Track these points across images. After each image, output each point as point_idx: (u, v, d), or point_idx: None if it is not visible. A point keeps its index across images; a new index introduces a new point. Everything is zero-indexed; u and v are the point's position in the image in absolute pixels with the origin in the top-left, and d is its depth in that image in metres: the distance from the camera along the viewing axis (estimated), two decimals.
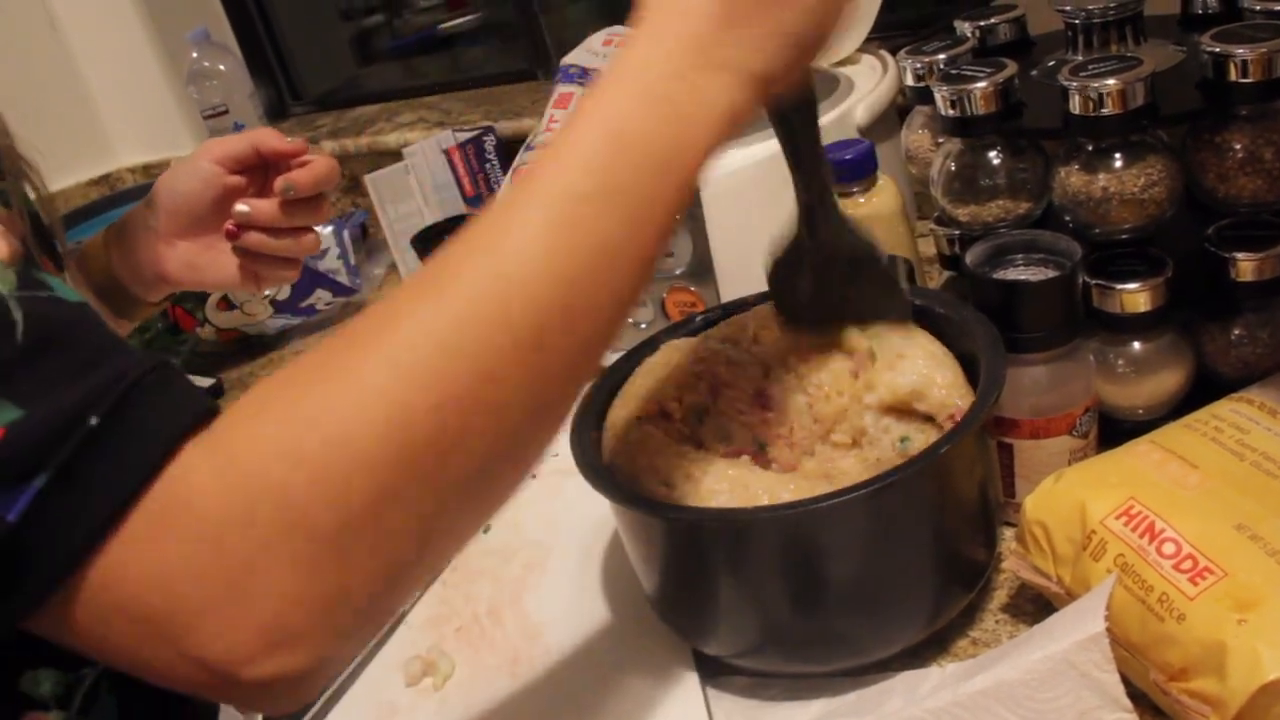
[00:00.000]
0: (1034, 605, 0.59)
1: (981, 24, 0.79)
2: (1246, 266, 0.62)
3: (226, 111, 1.51)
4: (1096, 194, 0.62)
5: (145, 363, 0.39)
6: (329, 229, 1.26)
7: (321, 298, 1.25)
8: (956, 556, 0.57)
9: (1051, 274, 0.61)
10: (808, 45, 0.49)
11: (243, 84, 1.53)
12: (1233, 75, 0.59)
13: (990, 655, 0.54)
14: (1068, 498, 0.56)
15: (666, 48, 0.45)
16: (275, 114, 1.80)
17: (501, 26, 1.78)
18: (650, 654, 0.62)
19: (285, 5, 1.81)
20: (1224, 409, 0.59)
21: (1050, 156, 0.67)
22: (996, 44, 0.79)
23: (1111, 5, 0.70)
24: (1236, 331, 0.64)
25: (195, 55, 1.50)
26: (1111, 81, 0.60)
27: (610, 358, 0.78)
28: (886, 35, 1.02)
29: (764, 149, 0.82)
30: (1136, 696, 0.50)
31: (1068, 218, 0.65)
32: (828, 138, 0.79)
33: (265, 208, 0.74)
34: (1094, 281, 0.63)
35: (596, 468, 0.57)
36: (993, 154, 0.68)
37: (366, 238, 1.41)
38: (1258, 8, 0.66)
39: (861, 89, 0.89)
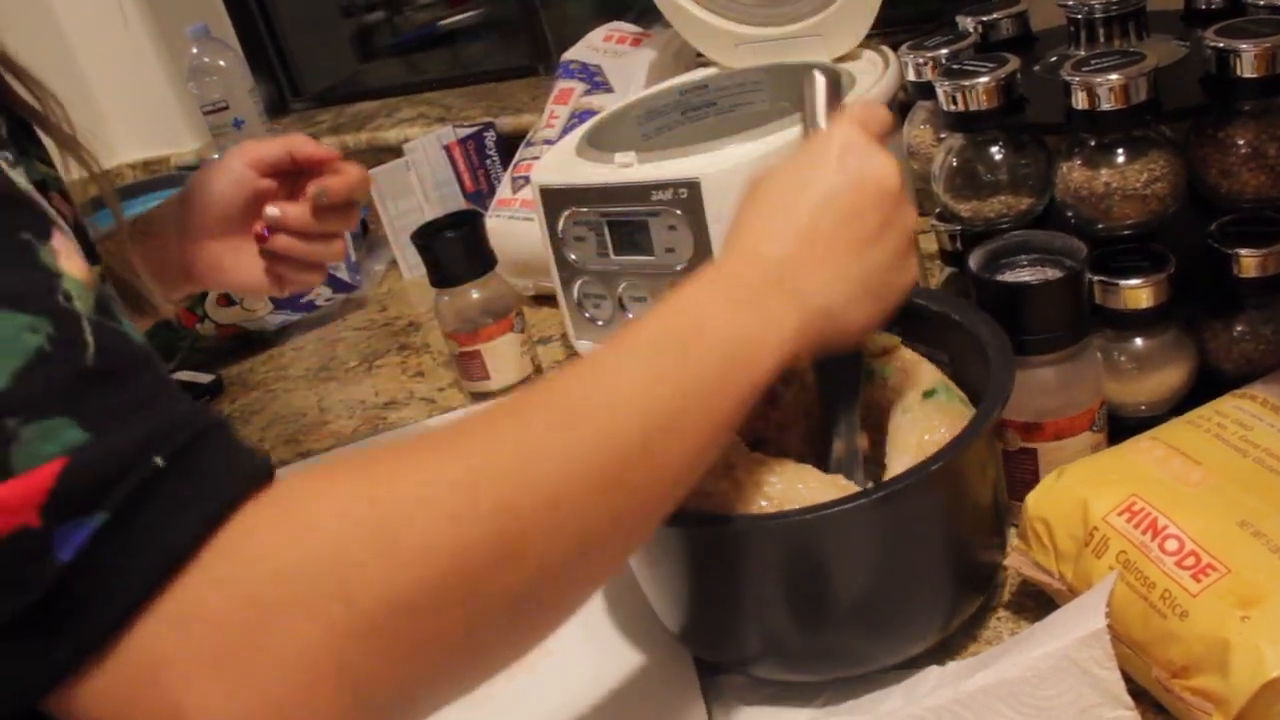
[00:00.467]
0: (1035, 602, 0.58)
1: (983, 19, 0.79)
2: (1249, 262, 0.62)
3: (227, 107, 1.50)
4: (1099, 189, 0.62)
5: (208, 415, 0.38)
6: None
7: (321, 293, 1.24)
8: (968, 561, 0.57)
9: (1056, 274, 0.61)
10: (877, 298, 0.53)
11: (243, 80, 1.53)
12: (1237, 70, 0.59)
13: (991, 653, 0.54)
14: (1070, 494, 0.56)
15: (747, 265, 0.50)
16: (275, 110, 1.80)
17: (502, 22, 1.77)
18: (650, 655, 0.61)
19: (285, 1, 1.80)
20: (1227, 405, 0.59)
21: (1052, 152, 0.67)
22: (998, 39, 0.79)
23: (1114, 0, 0.70)
24: (1239, 328, 0.64)
25: (195, 51, 1.50)
26: (1114, 76, 0.60)
27: None
28: (888, 31, 1.02)
29: (763, 145, 0.82)
30: (1139, 694, 0.49)
31: (1070, 213, 0.65)
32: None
33: (296, 212, 0.75)
34: (1097, 278, 0.63)
35: None
36: (995, 149, 0.67)
37: (367, 234, 1.41)
38: (1261, 3, 0.66)
39: (863, 84, 0.89)
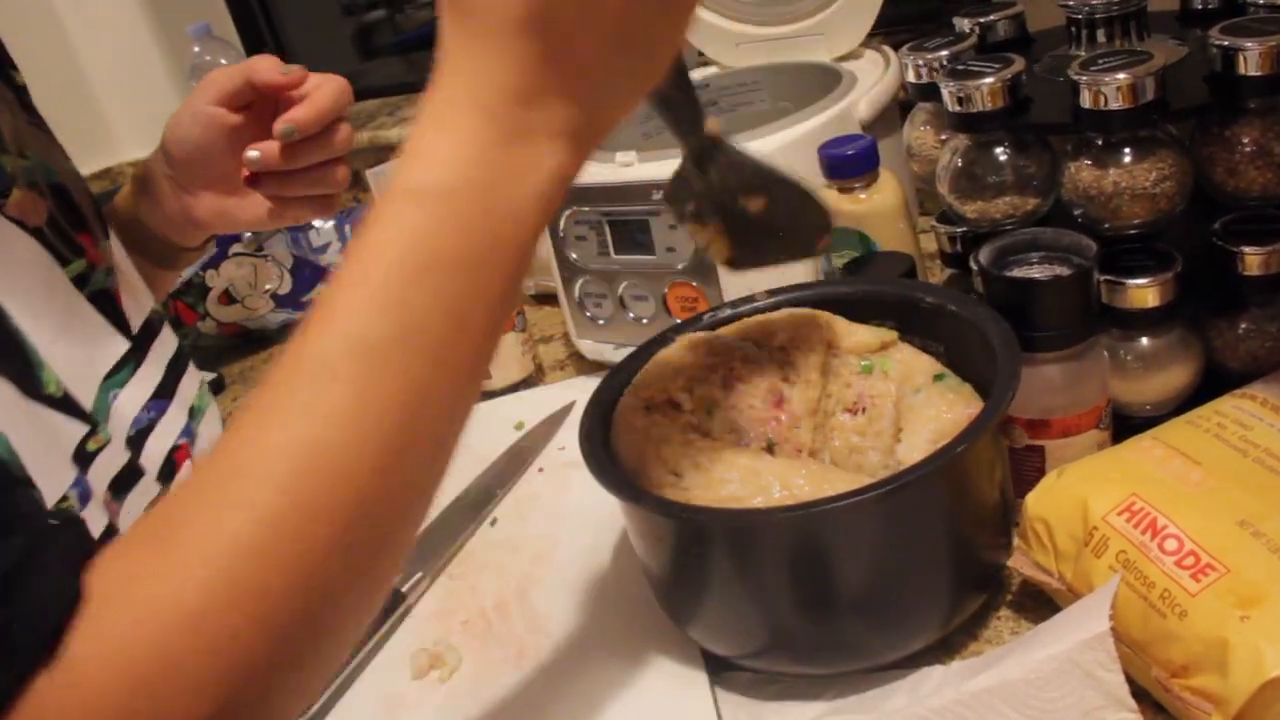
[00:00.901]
0: (1037, 602, 0.58)
1: (981, 20, 0.79)
2: (1254, 260, 0.62)
3: None
4: (1108, 189, 0.62)
5: (18, 540, 0.36)
6: (330, 223, 1.26)
7: None
8: (972, 558, 0.57)
9: (1065, 271, 0.61)
10: (644, 66, 0.41)
11: None
12: (1242, 69, 0.59)
13: (994, 654, 0.54)
14: (1069, 494, 0.56)
15: (464, 130, 0.39)
16: None
17: None
18: (658, 649, 0.62)
19: (287, 0, 1.80)
20: (1227, 405, 0.59)
21: (1056, 152, 0.67)
22: (996, 40, 0.79)
23: (1115, 1, 0.70)
24: (1244, 325, 0.64)
25: (197, 50, 1.50)
26: (1122, 76, 0.60)
27: (620, 353, 0.78)
28: (889, 31, 1.02)
29: (764, 144, 0.82)
30: (1139, 694, 0.49)
31: (1077, 213, 0.65)
32: (829, 133, 0.80)
33: (276, 151, 0.68)
34: (1104, 277, 0.63)
35: (605, 465, 0.57)
36: (1000, 150, 0.67)
37: None
38: (1260, 2, 0.66)
39: (864, 84, 0.89)
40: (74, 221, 0.63)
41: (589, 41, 0.39)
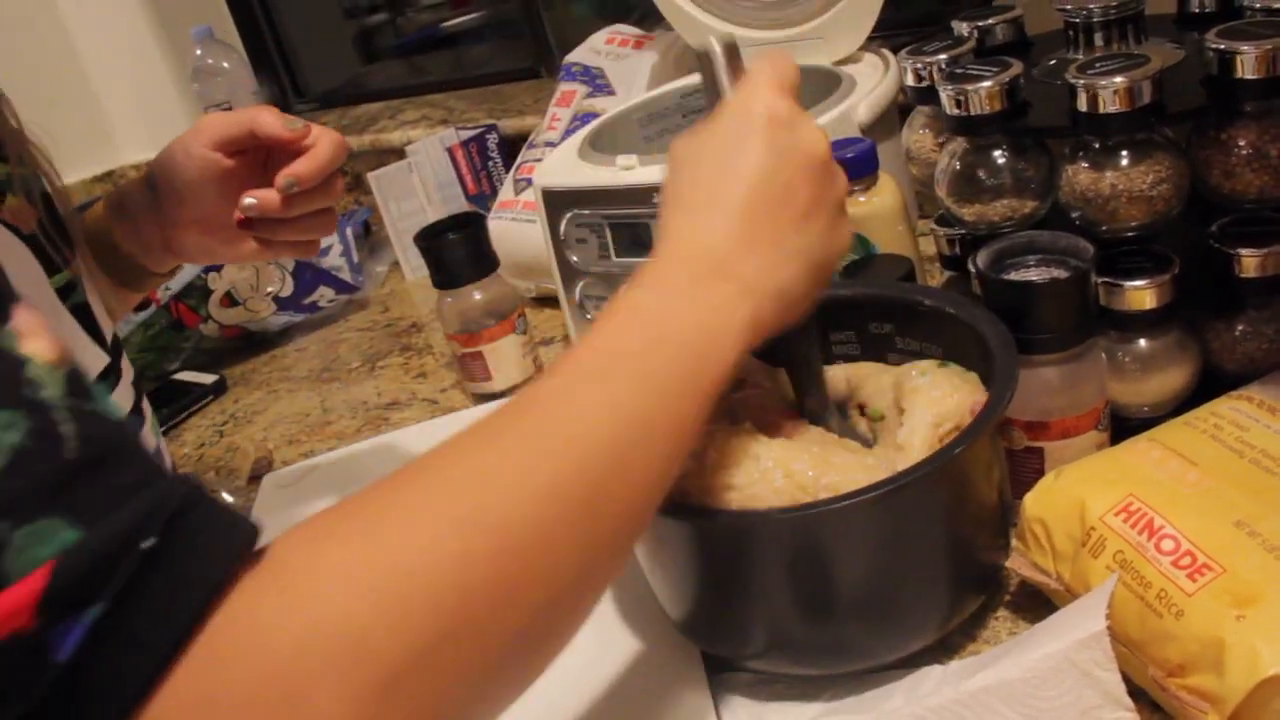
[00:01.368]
0: (1034, 602, 0.59)
1: (979, 24, 0.79)
2: (1250, 262, 0.62)
3: (230, 108, 1.51)
4: (1105, 191, 0.63)
5: (186, 485, 0.36)
6: None
7: (324, 295, 1.25)
8: (970, 559, 0.57)
9: (1062, 274, 0.61)
10: (819, 269, 0.52)
11: (246, 81, 1.54)
12: (1238, 72, 0.59)
13: (992, 653, 0.55)
14: (1067, 495, 0.56)
15: (689, 264, 0.49)
16: None
17: (504, 24, 1.78)
18: (657, 650, 0.62)
19: (289, 3, 1.81)
20: (1223, 406, 0.59)
21: (1054, 155, 0.67)
22: (994, 44, 0.80)
23: (1113, 4, 0.71)
24: (1241, 327, 0.64)
25: (199, 52, 1.51)
26: (1119, 79, 0.60)
27: None
28: (889, 34, 1.03)
29: None
30: (1135, 693, 0.50)
31: (1075, 215, 0.65)
32: (830, 135, 0.80)
33: (273, 199, 0.70)
34: (1101, 279, 0.64)
35: None
36: (998, 153, 0.68)
37: (369, 235, 1.41)
38: (1258, 5, 0.66)
39: (863, 87, 0.89)
40: (59, 233, 0.63)
41: (781, 222, 0.50)
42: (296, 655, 0.34)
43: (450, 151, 1.27)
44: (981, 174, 0.68)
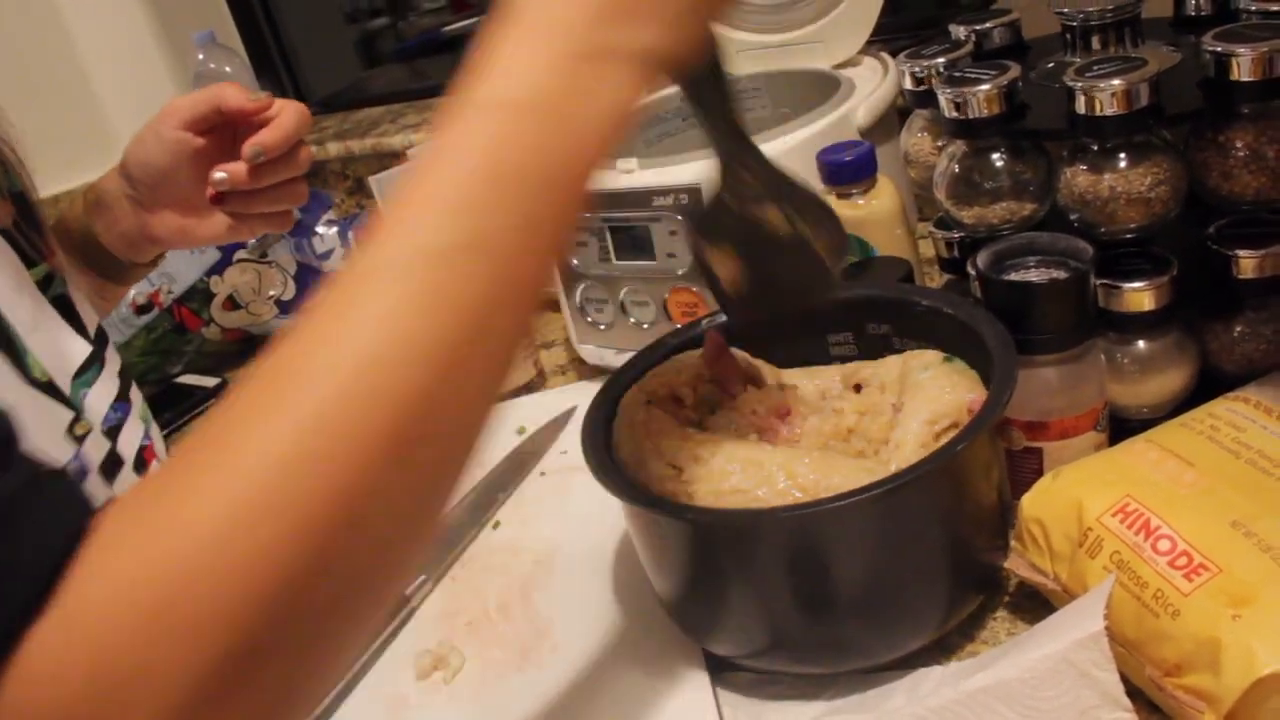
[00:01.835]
0: (1033, 603, 0.59)
1: (977, 28, 0.80)
2: (1248, 264, 0.62)
3: None
4: (1104, 193, 0.63)
5: (20, 475, 0.34)
6: (334, 229, 1.27)
7: None
8: (969, 559, 0.58)
9: (1062, 275, 0.62)
10: (699, 6, 0.43)
11: (248, 86, 1.54)
12: (1235, 74, 0.59)
13: (991, 654, 0.55)
14: (1064, 495, 0.56)
15: (540, 45, 0.39)
16: None
17: None
18: (659, 650, 0.62)
19: (291, 8, 1.81)
20: (1220, 408, 0.60)
21: (1052, 158, 0.68)
22: (992, 47, 0.80)
23: (1109, 8, 0.71)
24: (1239, 329, 0.65)
25: (201, 57, 1.51)
26: (1117, 82, 0.60)
27: (621, 358, 0.79)
28: (887, 38, 1.03)
29: (763, 150, 0.82)
30: (1132, 693, 0.50)
31: (1074, 217, 0.66)
32: (828, 139, 0.80)
33: (242, 172, 0.72)
34: (1100, 281, 0.64)
35: (607, 467, 0.57)
36: (996, 156, 0.68)
37: None
38: (1254, 8, 0.66)
39: (862, 91, 0.89)
40: (33, 228, 0.64)
41: None
42: (92, 703, 0.31)
43: None
44: (980, 177, 0.68)
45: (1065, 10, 0.72)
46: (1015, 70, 0.67)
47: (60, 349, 0.59)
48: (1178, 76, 0.67)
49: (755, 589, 0.55)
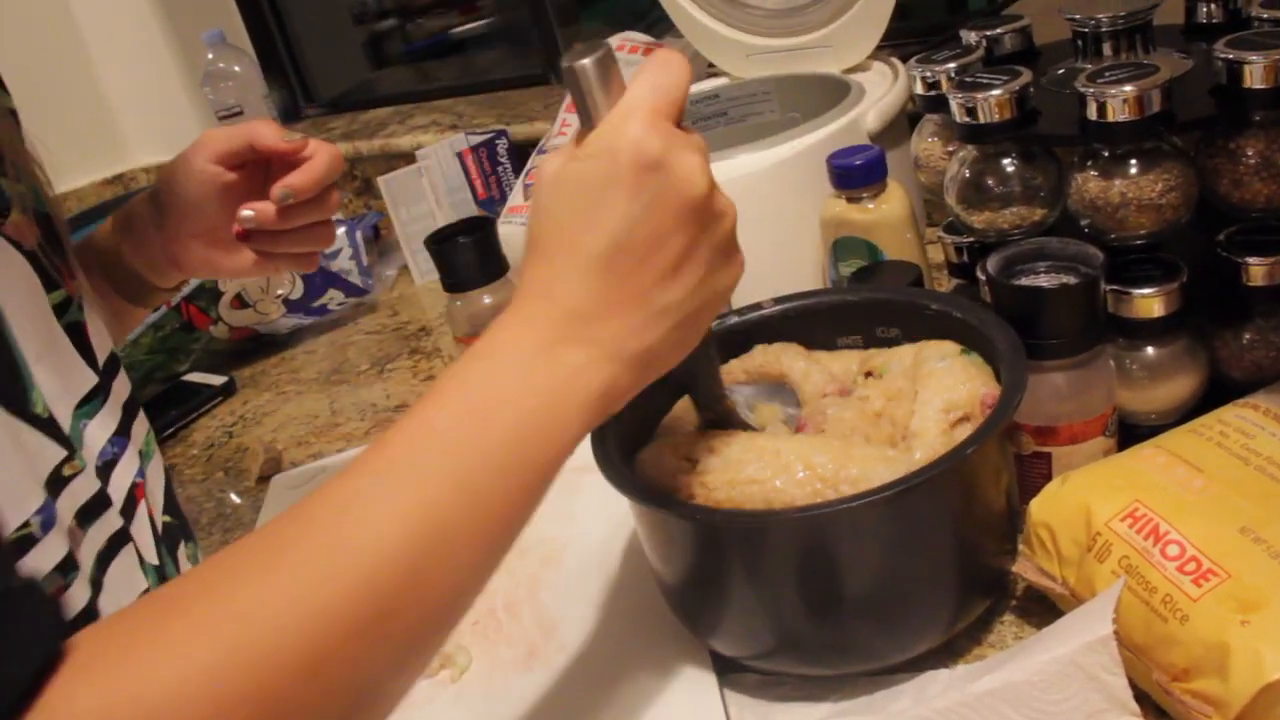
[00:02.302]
0: (1040, 607, 0.59)
1: (988, 33, 0.80)
2: (1258, 271, 0.63)
3: (241, 112, 1.52)
4: (1114, 199, 0.63)
5: None
6: (341, 229, 1.27)
7: (334, 298, 1.26)
8: (977, 563, 0.58)
9: (1072, 280, 0.62)
10: (697, 320, 0.49)
11: (257, 86, 1.55)
12: (1247, 82, 0.60)
13: (998, 657, 0.55)
14: (1073, 500, 0.57)
15: (540, 324, 0.45)
16: (289, 116, 1.81)
17: (513, 31, 1.79)
18: (667, 650, 0.62)
19: (299, 8, 1.82)
20: (1229, 414, 0.60)
21: (1062, 163, 0.68)
22: (1003, 53, 0.80)
23: (1121, 14, 0.71)
24: (1248, 336, 0.65)
25: (211, 56, 1.52)
26: (1129, 88, 0.61)
27: None
28: (897, 43, 1.03)
29: (773, 154, 0.83)
30: (1140, 697, 0.50)
31: (1084, 223, 0.66)
32: (838, 144, 0.81)
33: (270, 212, 0.72)
34: (1110, 287, 0.64)
35: (617, 466, 0.57)
36: (1007, 161, 0.68)
37: (379, 239, 1.42)
38: (1265, 15, 0.67)
39: (872, 95, 0.90)
40: (57, 252, 0.64)
41: (648, 280, 0.46)
42: None
43: (460, 156, 1.28)
44: (991, 182, 0.69)
45: (1077, 16, 0.73)
46: (1027, 75, 0.67)
47: (66, 378, 0.59)
48: (1189, 83, 0.67)
49: (763, 589, 0.55)
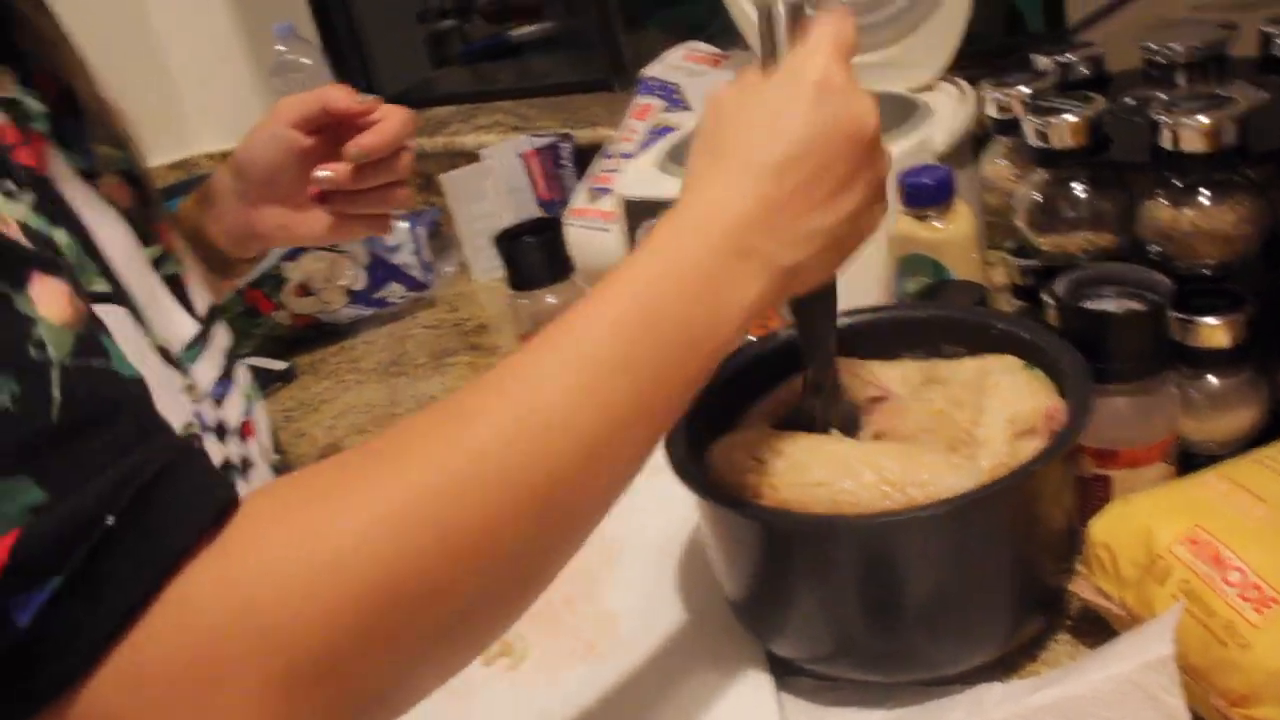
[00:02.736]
0: (1095, 627, 0.60)
1: (1060, 59, 0.80)
2: None
3: None
4: (1184, 229, 0.64)
5: (169, 451, 0.37)
6: (405, 224, 1.29)
7: (395, 290, 1.28)
8: (1037, 579, 0.58)
9: (1139, 306, 0.62)
10: (842, 249, 0.52)
11: (324, 78, 1.57)
12: None
13: (1054, 674, 0.56)
14: (1134, 522, 0.57)
15: (705, 231, 0.48)
16: None
17: (575, 36, 1.80)
18: (724, 650, 0.63)
19: (367, 3, 1.85)
20: None
21: (1132, 190, 0.68)
22: (1075, 79, 0.81)
23: (1196, 45, 0.72)
24: None
25: (280, 48, 1.54)
26: (1205, 119, 0.61)
27: None
28: (963, 66, 1.04)
29: None
30: None
31: (1152, 250, 0.66)
32: (906, 162, 0.82)
33: (345, 171, 0.75)
34: (1176, 315, 0.65)
35: (689, 465, 0.59)
36: (1078, 186, 0.69)
37: (439, 235, 1.44)
38: None
39: (941, 115, 0.91)
40: (150, 209, 0.66)
41: (812, 198, 0.49)
42: (219, 640, 0.35)
43: (524, 157, 1.30)
44: (1061, 205, 0.69)
45: (1152, 45, 0.73)
46: (1101, 102, 0.68)
47: (169, 326, 0.61)
48: (1265, 116, 0.67)
49: (824, 593, 0.56)
